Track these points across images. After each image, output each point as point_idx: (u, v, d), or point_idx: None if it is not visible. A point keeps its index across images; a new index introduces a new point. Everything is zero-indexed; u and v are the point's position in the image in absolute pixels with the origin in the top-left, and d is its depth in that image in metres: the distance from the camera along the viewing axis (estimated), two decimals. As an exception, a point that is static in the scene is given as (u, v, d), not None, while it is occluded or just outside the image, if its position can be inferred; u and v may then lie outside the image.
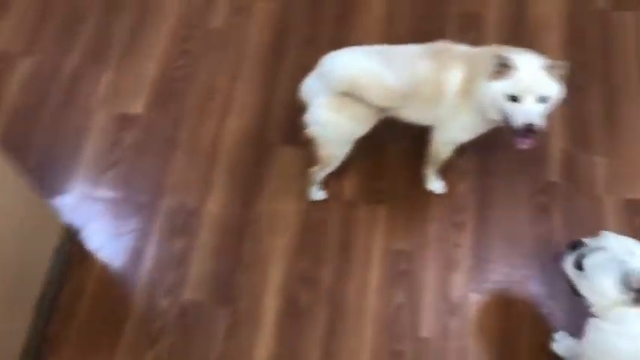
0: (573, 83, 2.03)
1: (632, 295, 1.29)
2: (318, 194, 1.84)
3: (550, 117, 1.93)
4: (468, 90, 1.56)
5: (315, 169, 1.76)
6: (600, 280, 1.34)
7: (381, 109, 1.57)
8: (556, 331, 1.69)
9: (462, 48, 1.61)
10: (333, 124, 1.59)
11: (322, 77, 1.55)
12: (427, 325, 1.70)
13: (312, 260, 1.76)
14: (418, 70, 1.57)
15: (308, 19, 2.13)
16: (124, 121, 1.93)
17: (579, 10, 2.20)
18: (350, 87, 1.50)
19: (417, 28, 2.13)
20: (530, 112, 1.44)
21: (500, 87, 1.46)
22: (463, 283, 1.75)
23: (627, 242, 1.38)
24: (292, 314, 1.70)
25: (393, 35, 2.11)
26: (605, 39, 2.14)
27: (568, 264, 1.45)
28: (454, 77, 1.57)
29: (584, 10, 2.20)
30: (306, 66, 2.03)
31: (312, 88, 1.59)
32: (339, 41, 2.07)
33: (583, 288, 1.40)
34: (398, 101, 1.53)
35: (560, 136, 1.96)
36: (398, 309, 1.71)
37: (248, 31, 2.09)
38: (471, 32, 2.13)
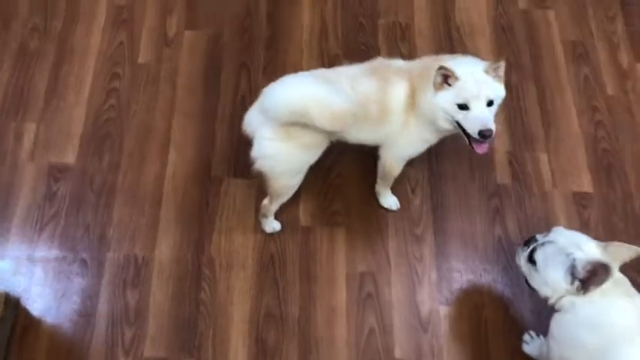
0: (508, 84, 2.10)
1: (578, 284, 1.37)
2: (272, 226, 1.76)
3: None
4: (413, 104, 1.55)
5: (267, 201, 1.69)
6: (550, 272, 1.42)
7: (330, 134, 1.53)
8: (526, 331, 1.71)
9: (400, 63, 1.61)
10: (282, 155, 1.53)
11: (266, 109, 1.48)
12: (400, 346, 1.66)
13: (275, 295, 1.69)
14: (362, 90, 1.54)
15: (239, 44, 2.06)
16: (56, 172, 1.79)
17: (503, 12, 2.25)
18: (297, 115, 1.44)
19: (350, 43, 2.10)
20: (483, 117, 1.45)
21: (447, 97, 1.46)
22: (430, 296, 1.73)
23: (574, 235, 1.46)
24: (262, 355, 1.62)
25: (325, 53, 2.08)
26: (530, 37, 2.20)
27: (522, 260, 1.52)
28: (398, 94, 1.55)
29: (507, 12, 2.25)
30: (244, 92, 2.00)
31: (256, 121, 1.53)
32: (274, 63, 2.04)
33: (536, 281, 1.48)
34: (347, 124, 1.47)
35: (503, 138, 1.98)
36: (369, 333, 1.67)
37: (179, 63, 2.00)
38: (403, 43, 2.14)
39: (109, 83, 1.94)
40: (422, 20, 2.19)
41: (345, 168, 1.88)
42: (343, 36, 2.13)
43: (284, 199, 1.67)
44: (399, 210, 1.83)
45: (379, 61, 1.60)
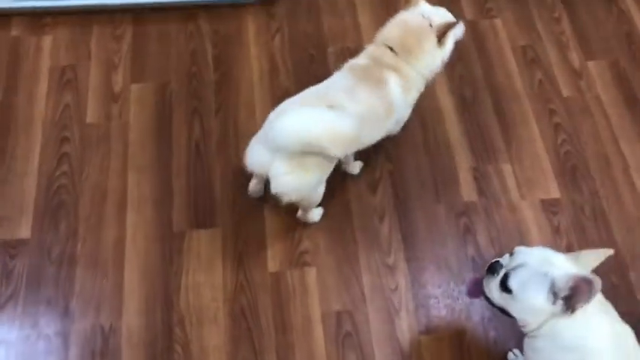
0: (464, 98, 2.09)
1: (562, 302, 1.29)
2: (317, 213, 1.81)
3: (452, 138, 1.98)
4: (407, 83, 1.67)
5: (301, 213, 1.78)
6: (530, 297, 1.32)
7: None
8: (510, 350, 1.68)
9: (366, 59, 1.68)
10: (304, 184, 1.56)
11: (276, 144, 1.48)
12: (385, 382, 1.63)
13: (251, 348, 1.63)
14: (363, 98, 1.59)
15: (188, 91, 2.02)
16: (11, 249, 1.72)
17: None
18: (310, 147, 1.47)
19: (301, 75, 2.07)
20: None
21: (450, 44, 1.71)
22: (410, 327, 1.69)
23: (542, 253, 1.37)
24: (244, 412, 1.57)
25: (277, 88, 2.05)
26: (480, 48, 2.19)
27: (493, 289, 1.39)
28: (395, 86, 1.64)
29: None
30: (197, 138, 1.96)
31: (263, 158, 1.52)
32: (226, 105, 2.00)
33: (515, 310, 1.37)
34: (357, 144, 1.61)
35: (465, 155, 1.97)
36: (352, 374, 1.64)
37: (128, 118, 1.95)
38: (354, 69, 2.13)
39: (59, 148, 1.88)
40: (370, 42, 2.17)
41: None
42: (294, 70, 2.10)
43: (316, 204, 1.74)
44: (369, 241, 1.80)
45: (357, 61, 1.67)
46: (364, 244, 1.80)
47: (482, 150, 1.99)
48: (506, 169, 1.96)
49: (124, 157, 1.88)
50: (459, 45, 2.15)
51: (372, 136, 1.69)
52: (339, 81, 1.64)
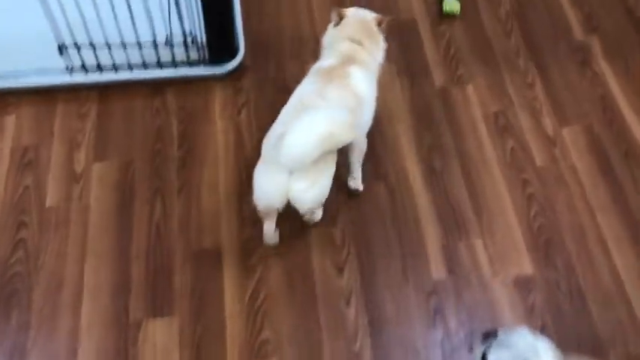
0: (433, 168, 2.04)
1: None
2: (320, 213, 1.88)
3: (421, 211, 1.92)
4: (369, 71, 1.82)
5: (308, 216, 1.82)
6: None
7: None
8: None
9: (333, 59, 1.79)
10: (323, 189, 1.66)
11: (289, 164, 1.55)
12: None
13: None
14: (334, 97, 1.70)
15: (151, 169, 1.98)
16: (-41, 345, 1.67)
17: (419, 94, 2.21)
18: (328, 147, 1.57)
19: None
20: None
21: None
22: (374, 422, 1.61)
23: (534, 341, 1.34)
24: None
25: (243, 164, 2.00)
26: (450, 116, 2.16)
27: (477, 356, 1.39)
28: (359, 78, 1.77)
29: (424, 94, 2.21)
30: (158, 220, 1.91)
31: (278, 185, 1.58)
32: (189, 184, 1.96)
33: None
34: (356, 124, 1.70)
35: (434, 229, 1.90)
36: None
37: (89, 199, 1.91)
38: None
39: (16, 234, 1.84)
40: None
41: (271, 288, 1.79)
42: (260, 143, 2.04)
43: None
44: (335, 328, 1.72)
45: (319, 65, 1.80)
46: (329, 330, 1.72)
47: (452, 223, 1.93)
48: (477, 244, 1.89)
49: (82, 242, 1.84)
50: (428, 112, 2.15)
51: (357, 130, 1.77)
52: (308, 86, 1.75)
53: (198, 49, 2.12)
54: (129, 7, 1.89)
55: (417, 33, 2.38)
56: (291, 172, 1.56)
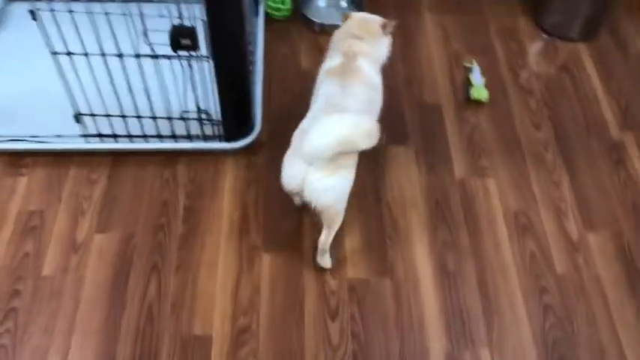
0: (445, 267, 1.93)
1: None
2: (329, 259, 1.92)
3: (427, 314, 1.80)
4: (373, 60, 1.95)
5: (324, 237, 1.85)
6: None
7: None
8: None
9: (338, 58, 1.91)
10: (337, 186, 1.74)
11: (308, 155, 1.67)
12: None
13: None
14: (357, 91, 1.84)
15: (151, 244, 1.94)
16: None
17: (437, 182, 2.11)
18: (346, 148, 1.68)
19: (272, 232, 1.96)
20: None
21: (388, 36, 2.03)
22: None
23: None
24: None
25: (245, 245, 1.93)
26: (468, 210, 2.05)
27: None
28: (367, 66, 1.90)
29: (442, 182, 2.11)
30: (151, 300, 1.84)
31: (297, 172, 1.71)
32: (187, 263, 1.90)
33: None
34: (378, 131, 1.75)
35: (439, 335, 1.77)
36: None
37: (85, 272, 1.87)
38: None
39: (8, 302, 1.80)
40: (350, 198, 2.07)
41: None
42: (265, 224, 2.01)
43: (338, 226, 1.87)
44: None
45: (334, 61, 1.91)
46: None
47: (459, 329, 1.79)
48: (484, 355, 1.74)
49: (72, 317, 1.79)
50: (445, 204, 2.05)
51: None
52: (330, 87, 1.86)
53: (212, 125, 2.10)
54: (144, 81, 1.90)
55: (441, 117, 2.31)
56: (310, 164, 1.70)
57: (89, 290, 1.84)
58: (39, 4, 1.66)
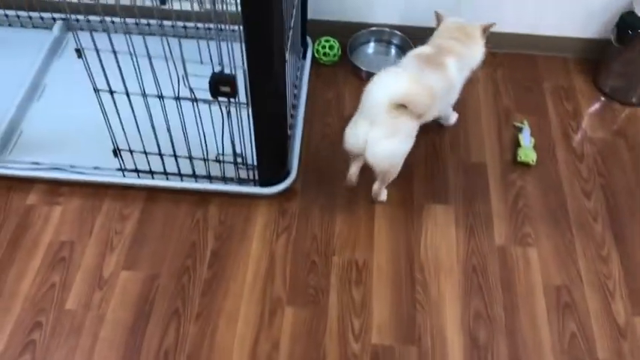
0: (475, 340, 1.81)
1: None
2: (385, 194, 2.12)
3: None
4: (462, 63, 2.06)
5: (377, 186, 2.05)
6: None
7: (420, 116, 1.88)
8: None
9: (431, 48, 2.05)
10: (397, 148, 1.87)
11: (367, 109, 1.79)
12: None
13: None
14: (429, 81, 1.90)
15: (175, 287, 1.90)
16: None
17: (476, 249, 2.01)
18: (402, 100, 1.76)
19: (297, 286, 1.90)
20: None
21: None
22: None
23: None
24: None
25: (268, 297, 1.87)
26: (506, 281, 1.93)
27: None
28: (453, 66, 2.00)
29: (480, 249, 2.00)
30: (168, 346, 1.80)
31: (360, 130, 1.82)
32: (208, 310, 1.86)
33: None
34: (435, 100, 1.89)
35: (461, 417, 1.67)
36: None
37: (107, 309, 1.85)
38: (357, 287, 1.90)
39: (29, 334, 1.80)
40: (381, 258, 1.99)
41: None
42: (291, 277, 1.95)
43: (390, 181, 2.04)
44: None
45: (427, 50, 2.03)
46: None
47: (486, 413, 1.68)
48: None
49: (88, 356, 1.76)
50: (482, 271, 1.94)
51: (434, 110, 2.03)
52: (408, 64, 1.98)
53: (247, 169, 2.07)
54: (182, 122, 1.89)
55: (485, 177, 2.21)
56: (372, 122, 1.79)
57: (108, 329, 1.82)
58: (84, 43, 1.68)
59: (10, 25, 2.67)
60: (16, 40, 2.62)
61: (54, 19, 2.63)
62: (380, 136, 1.80)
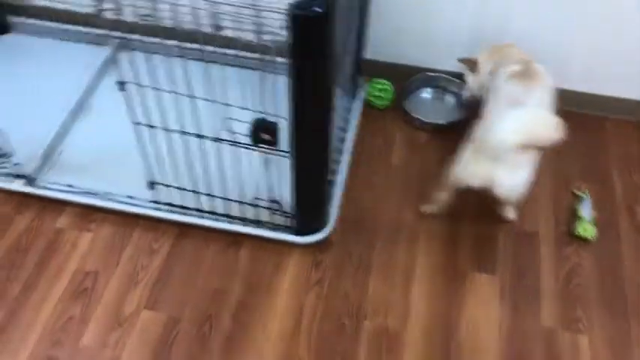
0: None
1: None
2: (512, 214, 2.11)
3: None
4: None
5: (505, 210, 2.08)
6: None
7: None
8: None
9: (517, 64, 2.01)
10: (524, 179, 1.83)
11: (495, 150, 1.75)
12: None
13: None
14: (537, 95, 1.90)
15: (196, 336, 1.79)
16: None
17: (520, 328, 1.84)
18: (530, 140, 1.73)
19: (323, 350, 1.78)
20: None
21: None
22: None
23: None
24: None
25: (290, 355, 1.78)
26: (552, 368, 1.77)
27: None
28: (543, 70, 1.99)
29: (525, 329, 1.83)
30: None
31: (484, 171, 1.79)
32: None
33: None
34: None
35: None
36: None
37: (122, 352, 1.76)
38: (388, 358, 1.80)
39: (41, 369, 1.76)
40: (416, 329, 1.84)
41: None
42: (317, 339, 1.82)
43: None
44: None
45: (516, 66, 1.99)
46: None
47: None
48: None
49: (100, 393, 1.71)
50: (524, 356, 1.77)
51: None
52: (512, 89, 1.93)
53: (283, 215, 1.97)
54: (220, 163, 1.81)
55: (537, 249, 2.04)
56: (495, 159, 1.77)
57: (125, 368, 1.75)
58: (127, 77, 1.62)
59: (66, 39, 2.68)
60: (69, 56, 2.62)
61: (108, 37, 2.62)
62: (508, 173, 1.80)
